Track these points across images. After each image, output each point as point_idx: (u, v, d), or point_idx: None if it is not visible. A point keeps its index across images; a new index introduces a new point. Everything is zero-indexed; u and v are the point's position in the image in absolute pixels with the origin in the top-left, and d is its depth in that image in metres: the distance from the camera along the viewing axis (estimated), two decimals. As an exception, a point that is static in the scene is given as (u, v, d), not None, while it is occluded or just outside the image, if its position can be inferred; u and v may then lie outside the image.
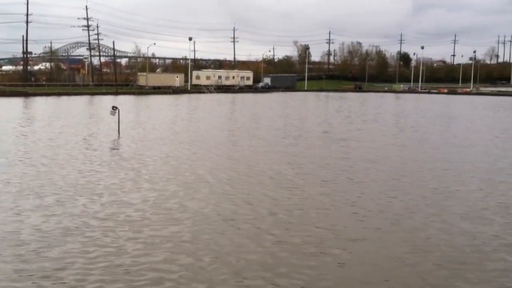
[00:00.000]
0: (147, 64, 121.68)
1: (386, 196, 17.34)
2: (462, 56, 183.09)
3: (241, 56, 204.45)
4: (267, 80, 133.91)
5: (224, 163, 23.54)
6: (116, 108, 34.42)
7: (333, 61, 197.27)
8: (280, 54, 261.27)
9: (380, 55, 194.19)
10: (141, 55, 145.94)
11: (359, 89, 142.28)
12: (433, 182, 19.78)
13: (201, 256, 11.62)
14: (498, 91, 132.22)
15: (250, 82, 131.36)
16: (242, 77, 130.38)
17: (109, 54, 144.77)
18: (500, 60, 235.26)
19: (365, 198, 17.07)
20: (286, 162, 23.80)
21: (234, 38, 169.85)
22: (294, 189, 18.19)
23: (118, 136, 32.87)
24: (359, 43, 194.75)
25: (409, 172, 21.77)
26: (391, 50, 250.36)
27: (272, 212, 15.30)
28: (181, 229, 13.58)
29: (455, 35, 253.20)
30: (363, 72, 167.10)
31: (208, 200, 16.52)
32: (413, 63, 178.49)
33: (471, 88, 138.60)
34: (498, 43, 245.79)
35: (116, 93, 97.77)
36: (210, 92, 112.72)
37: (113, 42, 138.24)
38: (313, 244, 12.51)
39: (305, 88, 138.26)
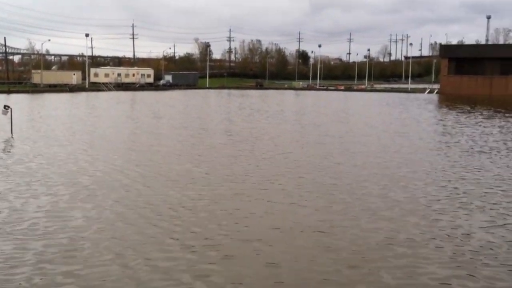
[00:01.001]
0: (42, 61, 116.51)
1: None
2: (357, 54, 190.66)
3: (141, 53, 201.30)
4: (168, 78, 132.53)
5: (122, 164, 22.85)
6: (9, 107, 32.66)
7: (234, 58, 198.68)
8: (181, 51, 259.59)
9: (280, 53, 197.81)
10: (35, 52, 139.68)
11: (260, 87, 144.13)
12: (332, 179, 20.23)
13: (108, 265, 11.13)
14: (391, 87, 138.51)
15: (150, 80, 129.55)
16: (142, 75, 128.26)
17: (1, 51, 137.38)
18: (393, 58, 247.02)
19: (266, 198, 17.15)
20: (188, 161, 23.50)
21: (133, 34, 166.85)
22: (192, 188, 17.97)
23: (11, 136, 31.16)
24: (259, 41, 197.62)
25: (313, 168, 22.15)
26: (290, 48, 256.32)
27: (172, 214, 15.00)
28: (73, 236, 12.95)
29: (350, 34, 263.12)
30: (263, 69, 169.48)
31: (102, 203, 15.94)
32: (311, 61, 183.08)
33: (366, 85, 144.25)
34: (391, 41, 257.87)
35: (9, 92, 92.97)
36: (109, 90, 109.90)
37: (4, 38, 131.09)
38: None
39: (207, 86, 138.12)
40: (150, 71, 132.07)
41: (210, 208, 15.52)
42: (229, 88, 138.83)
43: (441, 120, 48.04)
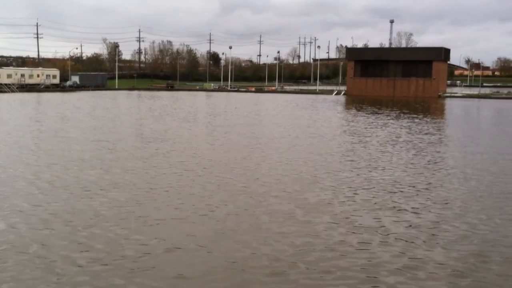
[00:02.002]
0: None
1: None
2: (267, 56, 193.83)
3: (46, 53, 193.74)
4: (75, 79, 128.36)
5: (27, 169, 21.85)
6: None
7: (144, 59, 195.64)
8: (88, 51, 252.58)
9: (191, 54, 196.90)
10: None
11: (171, 88, 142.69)
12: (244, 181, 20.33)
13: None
14: (301, 89, 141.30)
15: (56, 81, 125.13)
16: (47, 76, 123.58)
17: None
18: (302, 60, 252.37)
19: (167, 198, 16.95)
20: (96, 167, 22.82)
21: (37, 33, 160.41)
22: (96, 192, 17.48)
23: None
24: (170, 42, 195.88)
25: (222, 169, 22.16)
26: (201, 50, 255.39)
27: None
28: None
29: (261, 36, 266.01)
30: (174, 70, 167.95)
31: None
32: (222, 62, 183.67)
33: (276, 87, 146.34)
34: (299, 44, 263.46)
35: None
36: (13, 91, 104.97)
37: None
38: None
39: (116, 87, 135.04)
40: (56, 72, 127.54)
41: (125, 215, 15.17)
42: (139, 89, 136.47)
43: (352, 121, 49.42)
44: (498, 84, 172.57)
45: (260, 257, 11.96)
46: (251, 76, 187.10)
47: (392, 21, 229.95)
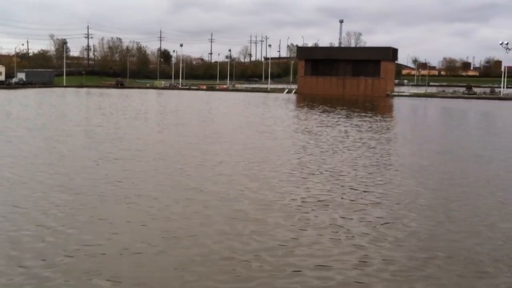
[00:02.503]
0: None
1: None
2: (219, 54, 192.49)
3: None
4: (21, 76, 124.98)
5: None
6: None
7: (93, 56, 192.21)
8: (35, 48, 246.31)
9: (141, 52, 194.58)
10: None
11: (120, 85, 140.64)
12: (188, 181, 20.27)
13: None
14: (252, 87, 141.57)
15: (2, 78, 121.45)
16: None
17: None
18: (253, 58, 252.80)
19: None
20: (45, 164, 22.32)
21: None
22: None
23: None
24: (120, 39, 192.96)
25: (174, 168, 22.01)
26: (152, 47, 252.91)
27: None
28: None
29: (212, 34, 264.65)
30: (124, 68, 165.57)
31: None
32: (173, 60, 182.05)
33: (228, 85, 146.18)
34: (251, 42, 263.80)
35: None
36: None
37: None
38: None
39: (64, 84, 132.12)
40: (1, 69, 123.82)
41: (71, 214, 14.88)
42: (88, 86, 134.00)
43: (304, 120, 49.81)
44: (444, 84, 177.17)
45: (212, 255, 11.95)
46: (203, 74, 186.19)
47: (341, 21, 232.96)
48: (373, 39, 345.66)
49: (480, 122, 54.97)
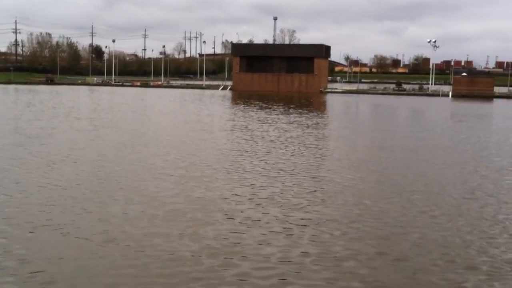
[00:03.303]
0: None
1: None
2: (152, 50, 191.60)
3: None
4: None
5: None
6: None
7: (21, 52, 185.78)
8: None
9: (72, 47, 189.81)
10: None
11: (51, 82, 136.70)
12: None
13: None
14: (187, 84, 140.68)
15: None
16: None
17: None
18: (188, 55, 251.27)
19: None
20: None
21: None
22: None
23: None
24: (49, 34, 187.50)
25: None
26: (83, 43, 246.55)
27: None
28: None
29: (145, 30, 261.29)
30: (54, 64, 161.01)
31: None
32: (105, 56, 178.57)
33: (162, 81, 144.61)
34: (185, 39, 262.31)
35: None
36: None
37: None
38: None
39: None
40: None
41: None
42: (16, 83, 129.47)
43: (241, 116, 49.89)
44: (375, 80, 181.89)
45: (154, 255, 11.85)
46: (136, 71, 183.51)
47: (275, 18, 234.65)
48: (307, 37, 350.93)
49: (410, 118, 56.78)
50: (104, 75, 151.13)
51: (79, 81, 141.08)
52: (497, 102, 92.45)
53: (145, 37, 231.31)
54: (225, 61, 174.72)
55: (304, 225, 14.24)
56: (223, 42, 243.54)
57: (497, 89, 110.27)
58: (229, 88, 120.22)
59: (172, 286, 10.41)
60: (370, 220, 14.85)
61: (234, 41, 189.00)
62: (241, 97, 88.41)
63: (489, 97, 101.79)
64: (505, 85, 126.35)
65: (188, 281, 10.56)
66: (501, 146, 31.44)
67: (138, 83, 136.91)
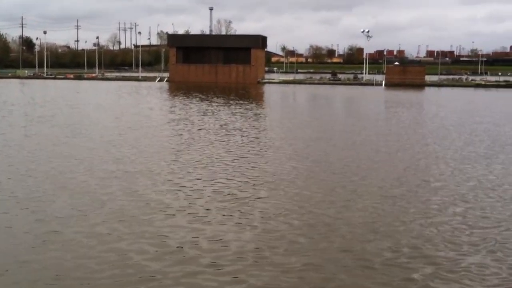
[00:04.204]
0: None
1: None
2: (86, 42, 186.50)
3: None
4: None
5: None
6: None
7: None
8: None
9: (0, 39, 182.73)
10: None
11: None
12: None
13: None
14: (123, 76, 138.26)
15: None
16: None
17: None
18: (123, 46, 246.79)
19: None
20: None
21: None
22: None
23: None
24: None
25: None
26: (12, 34, 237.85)
27: None
28: None
29: (78, 20, 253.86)
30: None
31: None
32: (37, 48, 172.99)
33: (97, 74, 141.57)
34: (119, 29, 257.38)
35: None
36: None
37: None
38: None
39: None
40: None
41: None
42: None
43: (180, 108, 49.56)
44: (311, 70, 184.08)
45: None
46: (69, 63, 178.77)
47: (211, 9, 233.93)
48: (244, 27, 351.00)
49: (346, 107, 58.06)
50: (35, 67, 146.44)
51: (9, 74, 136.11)
52: (428, 90, 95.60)
53: (77, 28, 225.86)
54: (161, 53, 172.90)
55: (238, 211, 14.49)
56: (158, 33, 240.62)
57: (428, 78, 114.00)
58: (166, 79, 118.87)
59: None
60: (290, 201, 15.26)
61: (170, 32, 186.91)
62: (179, 88, 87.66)
63: (421, 85, 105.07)
64: (436, 74, 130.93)
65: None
66: (437, 132, 32.76)
67: (72, 76, 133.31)
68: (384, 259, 11.48)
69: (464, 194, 17.16)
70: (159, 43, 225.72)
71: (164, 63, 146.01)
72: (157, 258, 11.35)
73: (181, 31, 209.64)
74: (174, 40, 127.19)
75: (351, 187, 17.85)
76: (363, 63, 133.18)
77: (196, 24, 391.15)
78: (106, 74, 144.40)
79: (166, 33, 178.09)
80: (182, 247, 12.02)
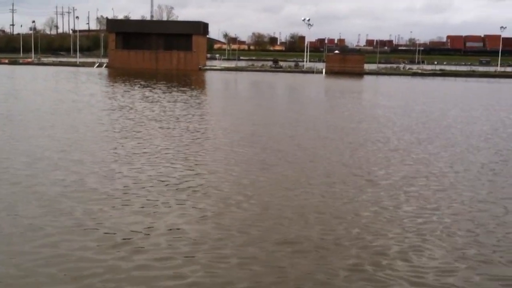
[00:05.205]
0: None
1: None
2: (21, 26, 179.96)
3: None
4: None
5: None
6: None
7: None
8: None
9: None
10: None
11: None
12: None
13: None
14: (60, 61, 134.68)
15: None
16: None
17: None
18: (60, 30, 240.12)
19: None
20: None
21: None
22: None
23: None
24: None
25: None
26: None
27: None
28: None
29: (13, 4, 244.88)
30: None
31: None
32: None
33: (33, 59, 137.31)
34: (57, 14, 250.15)
35: None
36: None
37: None
38: None
39: None
40: None
41: None
42: None
43: (122, 95, 48.78)
44: (253, 58, 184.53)
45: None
46: (4, 47, 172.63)
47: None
48: (185, 13, 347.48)
49: (287, 94, 58.64)
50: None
51: None
52: (367, 78, 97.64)
53: (13, 12, 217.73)
54: (100, 38, 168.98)
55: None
56: (98, 18, 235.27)
57: (367, 66, 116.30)
58: (104, 65, 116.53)
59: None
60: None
61: (110, 17, 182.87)
62: (119, 75, 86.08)
63: (360, 74, 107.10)
64: (375, 63, 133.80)
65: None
66: (377, 118, 33.62)
67: (6, 61, 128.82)
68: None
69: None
70: (98, 28, 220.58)
71: (103, 49, 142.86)
72: (101, 252, 11.13)
73: (121, 16, 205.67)
74: (114, 25, 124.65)
75: (297, 174, 18.16)
76: (304, 51, 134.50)
77: (137, 9, 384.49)
78: (42, 59, 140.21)
79: (106, 18, 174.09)
80: (129, 238, 11.92)
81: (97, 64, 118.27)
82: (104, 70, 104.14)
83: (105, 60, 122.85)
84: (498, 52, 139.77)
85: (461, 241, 12.05)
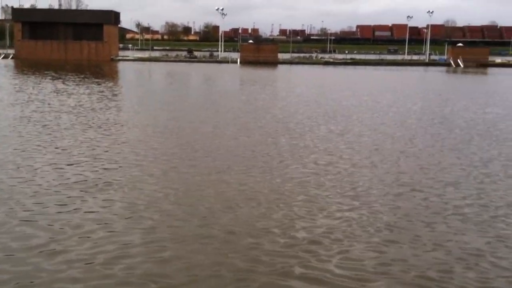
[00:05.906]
0: None
1: None
2: None
3: None
4: None
5: None
6: None
7: None
8: None
9: None
10: None
11: None
12: None
13: None
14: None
15: None
16: None
17: None
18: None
19: None
20: None
21: None
22: None
23: None
24: None
25: None
26: None
27: None
28: None
29: None
30: None
31: None
32: None
33: None
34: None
35: None
36: None
37: None
38: None
39: None
40: None
41: None
42: None
43: (32, 88, 47.03)
44: (167, 48, 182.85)
45: None
46: None
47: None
48: (96, 2, 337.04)
49: (203, 84, 58.70)
50: None
51: None
52: (281, 67, 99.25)
53: None
54: (5, 28, 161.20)
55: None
56: (3, 7, 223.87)
57: (281, 56, 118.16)
58: (11, 56, 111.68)
59: None
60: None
61: (16, 6, 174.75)
62: (26, 66, 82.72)
63: (274, 63, 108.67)
64: (288, 52, 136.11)
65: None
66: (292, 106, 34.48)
67: None
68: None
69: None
70: (3, 18, 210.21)
71: (9, 39, 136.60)
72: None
73: (27, 5, 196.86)
74: (20, 14, 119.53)
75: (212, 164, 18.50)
76: (219, 41, 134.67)
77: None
78: None
79: (11, 7, 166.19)
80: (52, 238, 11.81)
81: (2, 55, 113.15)
82: (10, 62, 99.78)
83: (11, 51, 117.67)
84: (405, 40, 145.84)
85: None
